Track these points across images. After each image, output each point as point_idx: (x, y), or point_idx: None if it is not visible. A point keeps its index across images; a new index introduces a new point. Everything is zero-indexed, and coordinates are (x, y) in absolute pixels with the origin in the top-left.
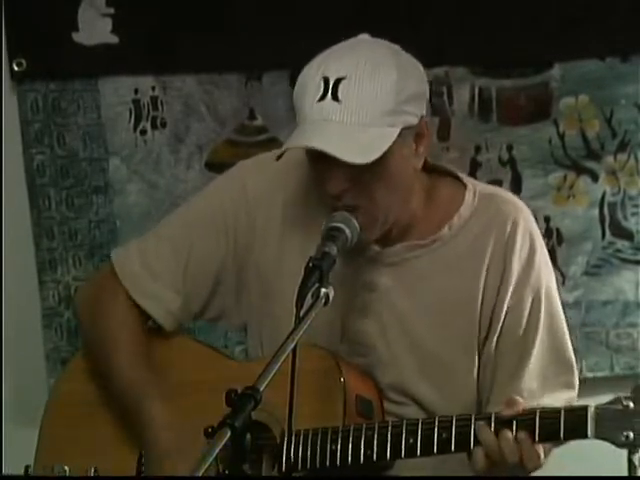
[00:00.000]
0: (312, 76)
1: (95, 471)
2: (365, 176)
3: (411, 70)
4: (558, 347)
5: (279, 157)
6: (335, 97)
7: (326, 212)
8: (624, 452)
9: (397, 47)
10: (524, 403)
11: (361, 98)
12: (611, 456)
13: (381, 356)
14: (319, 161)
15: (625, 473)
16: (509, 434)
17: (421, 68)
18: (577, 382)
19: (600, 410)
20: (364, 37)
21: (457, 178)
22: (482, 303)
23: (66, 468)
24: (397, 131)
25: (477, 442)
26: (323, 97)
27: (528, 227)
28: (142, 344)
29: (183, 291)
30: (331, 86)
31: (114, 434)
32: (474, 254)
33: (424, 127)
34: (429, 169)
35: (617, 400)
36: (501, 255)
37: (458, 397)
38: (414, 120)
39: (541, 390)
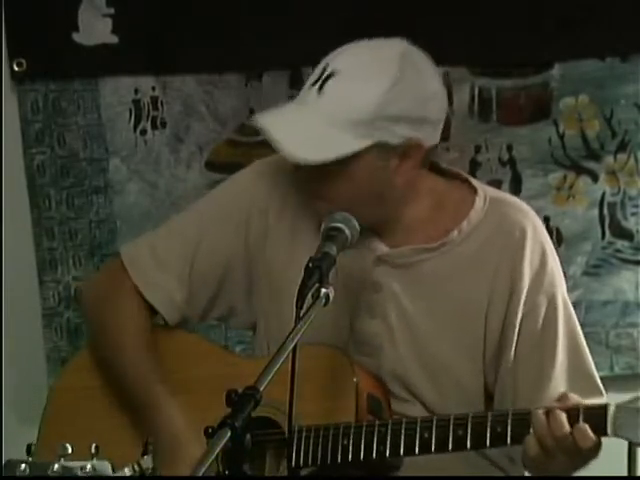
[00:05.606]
0: (324, 60)
1: (96, 448)
2: (325, 171)
3: (412, 91)
4: (580, 353)
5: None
6: (321, 88)
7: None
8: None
9: (424, 66)
10: (576, 398)
11: (340, 99)
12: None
13: (387, 356)
14: None
15: (624, 464)
16: (561, 416)
17: (440, 94)
18: (602, 387)
19: (620, 409)
20: (397, 41)
21: (467, 182)
22: (489, 308)
23: (68, 446)
24: (364, 144)
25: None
26: (315, 83)
27: (538, 234)
28: (148, 338)
29: (189, 283)
30: (323, 77)
31: (117, 427)
32: (482, 259)
33: (412, 150)
34: (439, 171)
35: (636, 399)
36: (510, 262)
37: (461, 400)
38: (394, 140)
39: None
